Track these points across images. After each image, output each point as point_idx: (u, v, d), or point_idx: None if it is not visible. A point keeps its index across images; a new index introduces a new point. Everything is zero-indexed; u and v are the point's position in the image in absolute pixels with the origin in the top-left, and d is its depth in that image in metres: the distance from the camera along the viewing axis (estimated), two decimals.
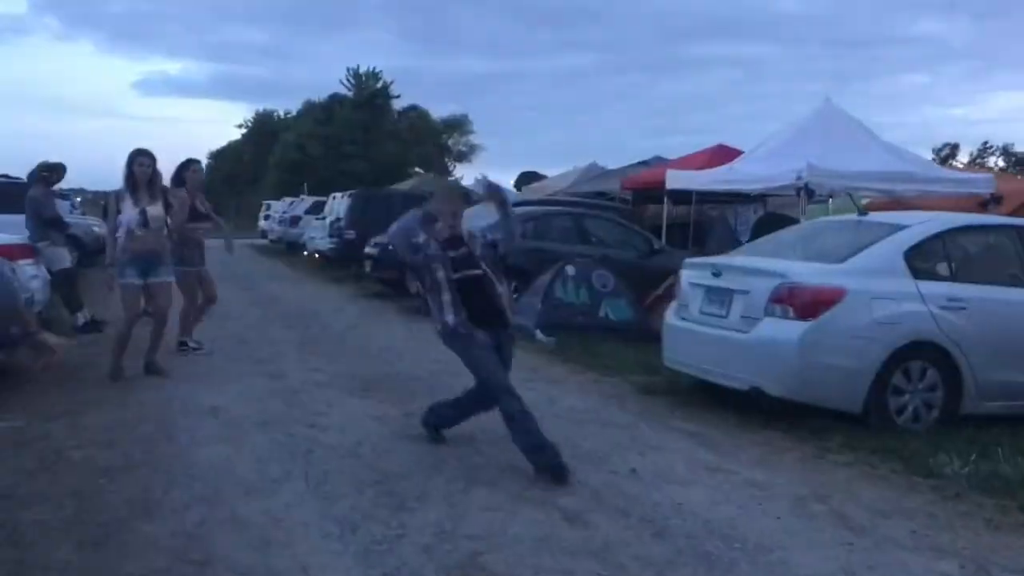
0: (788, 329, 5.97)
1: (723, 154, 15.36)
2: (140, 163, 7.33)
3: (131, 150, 7.40)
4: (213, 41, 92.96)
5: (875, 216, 7.00)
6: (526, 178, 40.21)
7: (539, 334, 9.93)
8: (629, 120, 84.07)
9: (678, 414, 6.48)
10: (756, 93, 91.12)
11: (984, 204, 11.63)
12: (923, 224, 6.49)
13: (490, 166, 62.47)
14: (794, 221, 12.74)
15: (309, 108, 50.73)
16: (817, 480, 4.96)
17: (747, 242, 14.42)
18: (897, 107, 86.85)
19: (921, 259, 6.24)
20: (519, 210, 13.52)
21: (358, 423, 6.06)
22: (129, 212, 7.27)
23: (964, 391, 6.05)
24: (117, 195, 7.37)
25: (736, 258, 6.96)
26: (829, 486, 4.84)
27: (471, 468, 5.02)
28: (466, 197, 5.13)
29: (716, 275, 6.62)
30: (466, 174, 43.46)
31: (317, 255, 21.40)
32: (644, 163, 18.93)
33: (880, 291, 6.03)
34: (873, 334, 5.92)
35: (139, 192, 7.32)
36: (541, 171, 33.42)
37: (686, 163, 15.98)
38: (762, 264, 6.47)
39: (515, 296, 11.33)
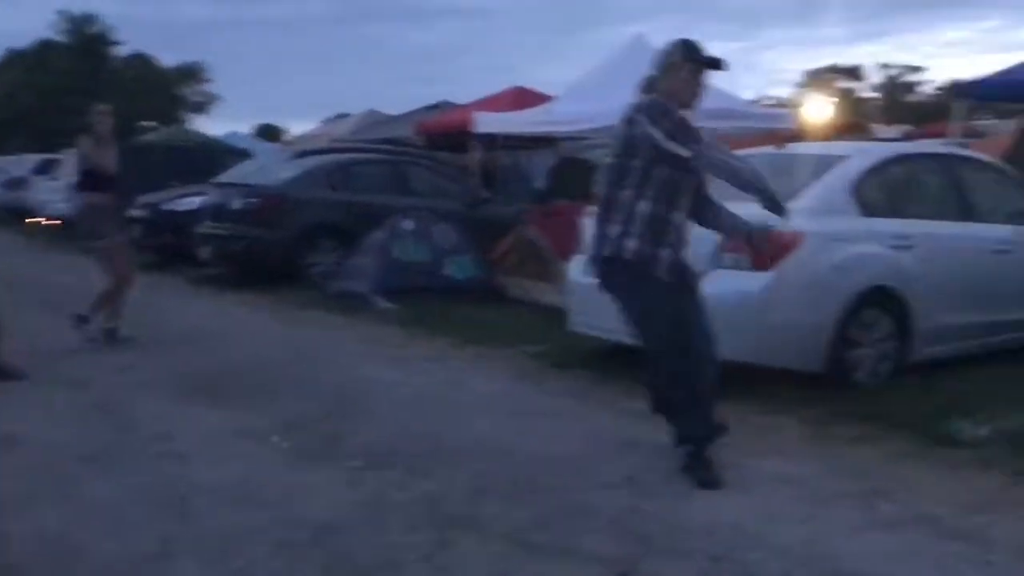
0: (744, 283, 5.12)
1: (526, 96, 14.51)
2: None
3: None
4: None
5: (800, 147, 6.30)
6: (266, 131, 37.67)
7: (381, 301, 8.54)
8: (369, 71, 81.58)
9: (622, 394, 5.30)
10: (486, 45, 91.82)
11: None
12: (862, 155, 5.85)
13: (227, 119, 57.98)
14: (590, 166, 12.14)
15: (14, 56, 44.45)
16: (885, 474, 4.08)
17: (544, 188, 13.83)
18: None
19: (867, 194, 5.61)
20: (320, 159, 11.89)
21: (225, 447, 4.47)
22: None
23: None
24: None
25: None
26: (891, 478, 3.98)
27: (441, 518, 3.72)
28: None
29: None
30: (203, 125, 39.41)
31: (51, 222, 18.29)
32: (434, 107, 17.65)
33: (834, 233, 5.35)
34: (831, 280, 5.23)
35: None
36: (277, 123, 31.16)
37: (485, 106, 14.89)
38: None
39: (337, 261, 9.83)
